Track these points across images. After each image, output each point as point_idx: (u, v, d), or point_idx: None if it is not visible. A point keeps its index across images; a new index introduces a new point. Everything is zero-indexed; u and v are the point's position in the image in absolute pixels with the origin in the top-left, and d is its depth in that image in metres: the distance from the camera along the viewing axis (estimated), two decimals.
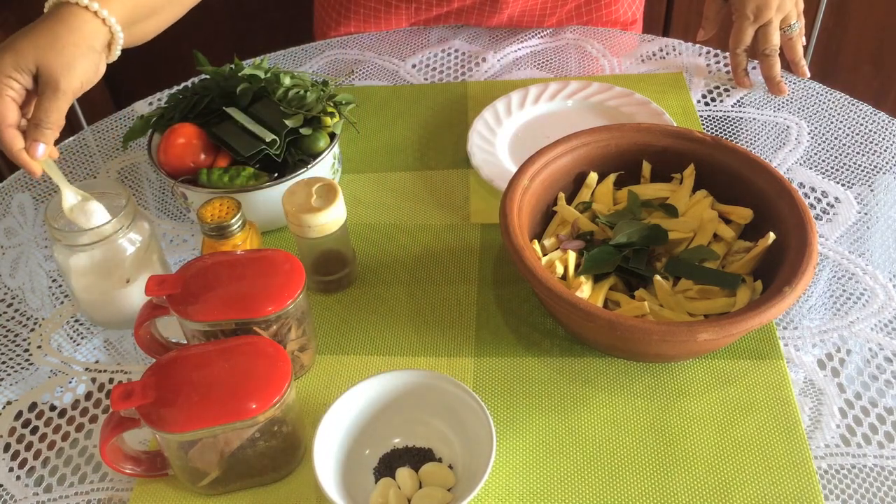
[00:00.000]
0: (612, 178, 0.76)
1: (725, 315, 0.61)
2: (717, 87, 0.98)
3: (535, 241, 0.72)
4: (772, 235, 0.67)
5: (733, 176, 0.72)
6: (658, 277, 0.67)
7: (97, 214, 0.68)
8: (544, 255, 0.71)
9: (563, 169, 0.75)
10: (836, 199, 0.82)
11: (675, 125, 0.86)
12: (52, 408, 0.69)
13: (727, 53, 1.00)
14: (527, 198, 0.71)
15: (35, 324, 0.77)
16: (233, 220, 0.68)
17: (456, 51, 1.08)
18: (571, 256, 0.70)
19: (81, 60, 0.68)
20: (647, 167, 0.76)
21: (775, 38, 0.94)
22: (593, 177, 0.76)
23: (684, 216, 0.73)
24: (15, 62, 0.66)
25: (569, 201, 0.76)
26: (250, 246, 0.71)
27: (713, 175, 0.74)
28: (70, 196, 0.68)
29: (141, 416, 0.55)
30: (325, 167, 0.81)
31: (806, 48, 1.78)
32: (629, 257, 0.69)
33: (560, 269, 0.69)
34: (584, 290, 0.67)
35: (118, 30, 0.71)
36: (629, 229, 0.70)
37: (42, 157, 0.66)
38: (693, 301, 0.66)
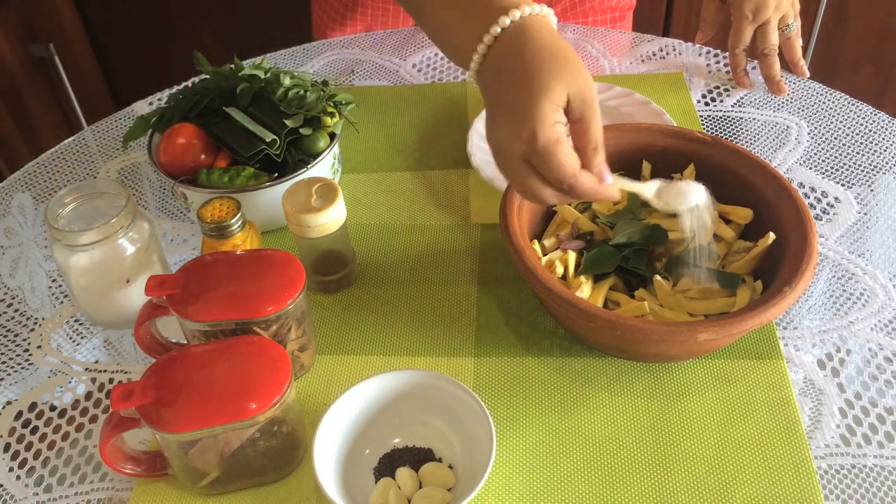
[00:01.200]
0: None
1: (725, 315, 0.61)
2: (717, 87, 0.98)
3: (535, 241, 0.72)
4: (772, 235, 0.67)
5: (733, 176, 0.72)
6: (658, 277, 0.67)
7: (691, 193, 0.63)
8: (544, 255, 0.71)
9: None
10: (836, 199, 0.82)
11: (675, 125, 0.86)
12: (52, 408, 0.69)
13: (727, 53, 1.00)
14: None
15: (35, 324, 0.77)
16: (233, 220, 0.68)
17: None
18: (571, 256, 0.70)
19: (574, 58, 0.59)
20: (647, 167, 0.77)
21: (774, 38, 0.94)
22: None
23: None
24: (553, 107, 0.57)
25: None
26: (250, 246, 0.71)
27: (713, 175, 0.74)
28: (649, 189, 0.64)
29: (141, 416, 0.55)
30: (325, 167, 0.81)
31: (806, 48, 1.78)
32: (629, 257, 0.69)
33: (560, 269, 0.69)
34: (584, 290, 0.67)
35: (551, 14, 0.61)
36: (629, 229, 0.70)
37: (611, 180, 0.60)
38: (693, 301, 0.66)
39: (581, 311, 0.61)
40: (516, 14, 0.58)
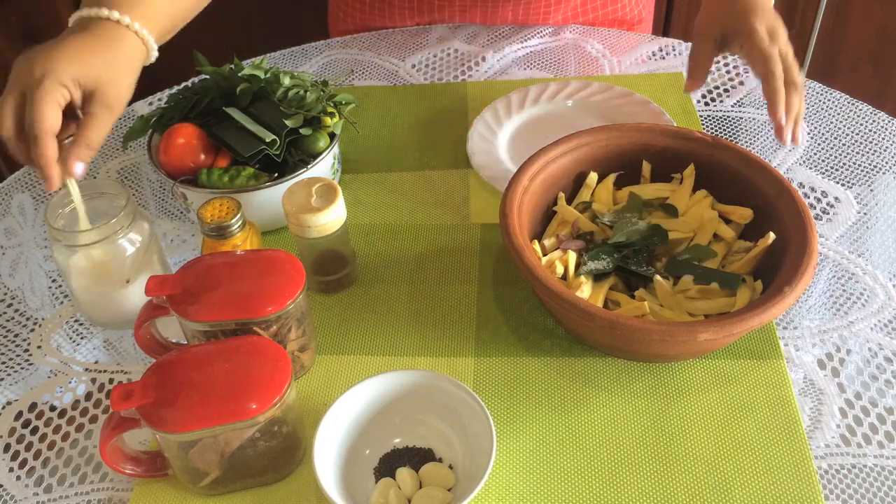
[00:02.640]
0: (611, 178, 0.76)
1: (725, 315, 0.61)
2: (717, 87, 0.98)
3: (535, 241, 0.72)
4: (772, 235, 0.67)
5: (733, 176, 0.72)
6: (658, 277, 0.67)
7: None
8: (544, 255, 0.71)
9: (563, 169, 0.75)
10: (836, 199, 0.82)
11: (675, 125, 0.86)
12: (52, 408, 0.69)
13: (726, 53, 0.99)
14: (527, 198, 0.71)
15: (35, 324, 0.77)
16: (233, 221, 0.68)
17: (455, 51, 1.08)
18: (571, 256, 0.70)
19: (131, 83, 0.69)
20: (647, 167, 0.77)
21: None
22: (593, 177, 0.76)
23: (684, 216, 0.73)
24: (74, 74, 0.64)
25: (569, 201, 0.76)
26: (250, 246, 0.71)
27: (713, 175, 0.74)
28: (84, 221, 0.68)
29: (141, 416, 0.55)
30: (325, 167, 0.81)
31: (806, 48, 1.78)
32: (629, 257, 0.69)
33: (560, 269, 0.69)
34: (584, 290, 0.67)
35: (154, 49, 0.72)
36: (629, 229, 0.70)
37: (80, 176, 0.65)
38: (693, 301, 0.66)
39: (581, 311, 0.61)
40: (95, 12, 0.68)
